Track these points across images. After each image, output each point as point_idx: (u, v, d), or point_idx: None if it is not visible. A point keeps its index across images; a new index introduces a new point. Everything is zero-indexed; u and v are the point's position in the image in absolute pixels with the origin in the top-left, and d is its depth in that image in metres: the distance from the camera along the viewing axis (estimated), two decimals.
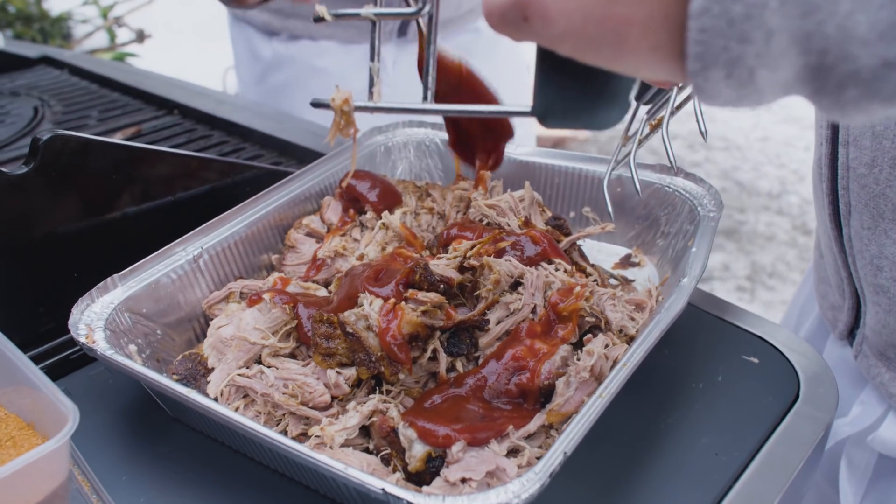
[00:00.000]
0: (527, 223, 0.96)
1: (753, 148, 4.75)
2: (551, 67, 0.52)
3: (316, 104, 0.72)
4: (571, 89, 0.52)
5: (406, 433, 0.72)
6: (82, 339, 0.80)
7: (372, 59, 0.68)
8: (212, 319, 0.95)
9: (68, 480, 0.67)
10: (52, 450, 0.62)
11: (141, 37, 3.77)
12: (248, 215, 1.02)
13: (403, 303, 0.78)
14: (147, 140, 1.53)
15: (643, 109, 0.98)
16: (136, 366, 0.76)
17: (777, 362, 0.90)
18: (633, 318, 0.89)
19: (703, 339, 0.96)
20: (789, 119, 5.06)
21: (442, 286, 0.81)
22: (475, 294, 0.84)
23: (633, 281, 1.01)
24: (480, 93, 0.91)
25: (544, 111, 0.54)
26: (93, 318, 0.84)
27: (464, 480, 0.67)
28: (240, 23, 1.84)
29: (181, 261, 0.93)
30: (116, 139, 1.42)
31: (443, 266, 0.84)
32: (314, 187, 1.11)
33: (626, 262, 1.09)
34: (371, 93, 0.68)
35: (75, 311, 0.83)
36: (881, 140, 0.80)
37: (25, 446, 0.69)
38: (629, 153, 1.00)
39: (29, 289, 0.92)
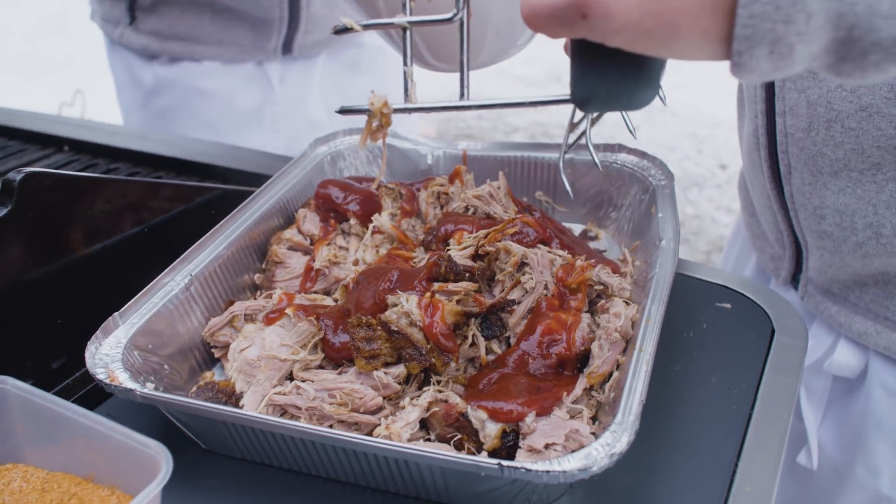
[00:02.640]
0: (520, 211, 1.01)
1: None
2: (593, 58, 0.58)
3: (346, 111, 0.73)
4: (612, 75, 0.59)
5: (476, 415, 0.74)
6: (105, 380, 0.75)
7: (405, 63, 0.71)
8: (213, 347, 0.92)
9: None
10: (152, 497, 0.59)
11: None
12: (224, 237, 0.99)
13: (438, 295, 0.80)
14: None
15: None
16: (183, 398, 0.73)
17: (746, 305, 1.02)
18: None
19: (675, 294, 1.05)
20: None
21: (467, 275, 0.84)
22: (492, 279, 0.88)
23: (604, 251, 1.09)
24: None
25: (587, 97, 0.61)
26: (107, 360, 0.79)
27: (547, 446, 0.71)
28: (117, 48, 1.75)
29: (174, 291, 0.90)
30: None
31: (458, 257, 0.87)
32: (276, 204, 1.09)
33: (583, 236, 1.17)
34: (406, 95, 0.71)
35: (88, 354, 0.78)
36: (816, 107, 0.93)
37: (95, 500, 0.64)
38: (582, 134, 1.07)
39: (12, 343, 0.84)
